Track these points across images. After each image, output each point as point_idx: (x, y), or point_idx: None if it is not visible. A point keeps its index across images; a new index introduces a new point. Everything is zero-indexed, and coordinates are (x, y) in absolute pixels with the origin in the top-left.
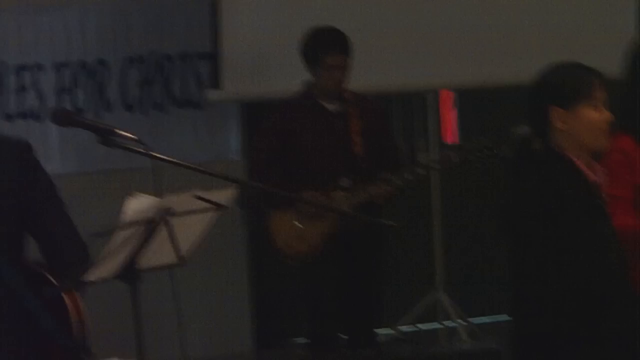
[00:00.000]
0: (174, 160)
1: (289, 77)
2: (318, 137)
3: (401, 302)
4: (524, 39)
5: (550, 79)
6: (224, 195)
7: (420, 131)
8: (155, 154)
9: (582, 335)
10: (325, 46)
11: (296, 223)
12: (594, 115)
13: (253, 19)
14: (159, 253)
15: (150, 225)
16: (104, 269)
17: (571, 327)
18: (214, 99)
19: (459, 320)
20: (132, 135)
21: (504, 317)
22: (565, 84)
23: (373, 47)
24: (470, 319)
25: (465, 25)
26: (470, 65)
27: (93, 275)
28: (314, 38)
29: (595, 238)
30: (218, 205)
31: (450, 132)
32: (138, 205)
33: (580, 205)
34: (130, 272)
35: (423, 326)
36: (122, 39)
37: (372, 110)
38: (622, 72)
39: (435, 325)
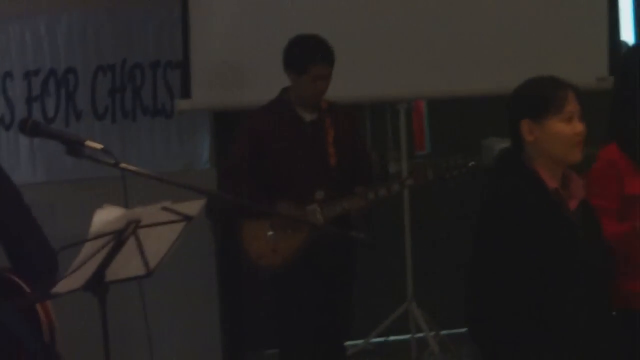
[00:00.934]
0: (141, 171)
1: (259, 86)
2: (294, 147)
3: (372, 314)
4: (496, 50)
5: (522, 91)
6: (192, 206)
7: (392, 141)
8: (123, 165)
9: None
10: (313, 56)
11: (269, 233)
12: (563, 128)
13: (223, 28)
14: (127, 265)
15: (118, 237)
16: (72, 281)
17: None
18: (184, 108)
19: (431, 332)
20: (100, 145)
21: None
22: (535, 96)
23: (345, 57)
24: (442, 331)
25: (438, 36)
26: (441, 76)
27: (61, 286)
28: (300, 47)
29: (549, 243)
30: (186, 217)
31: (421, 143)
32: (106, 216)
33: (535, 212)
34: (98, 284)
35: (394, 338)
36: (92, 48)
37: (345, 119)
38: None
39: (406, 337)
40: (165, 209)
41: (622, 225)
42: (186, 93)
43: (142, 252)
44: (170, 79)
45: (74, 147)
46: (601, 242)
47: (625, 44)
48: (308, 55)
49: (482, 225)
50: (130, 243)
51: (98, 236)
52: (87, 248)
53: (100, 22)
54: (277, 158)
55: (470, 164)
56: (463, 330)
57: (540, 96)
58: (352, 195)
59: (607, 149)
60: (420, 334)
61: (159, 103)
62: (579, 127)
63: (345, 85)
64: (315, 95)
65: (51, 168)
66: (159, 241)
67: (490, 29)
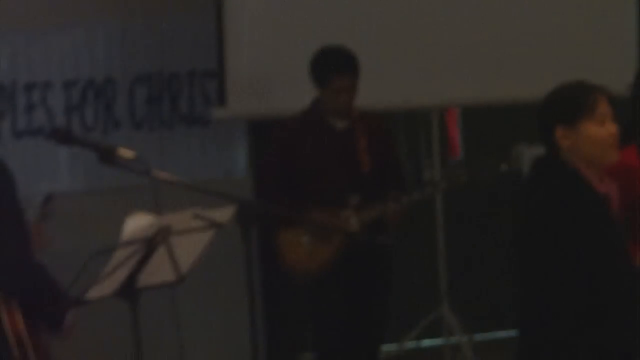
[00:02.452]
0: (173, 178)
1: (295, 95)
2: (325, 155)
3: (406, 318)
4: (528, 57)
5: (554, 98)
6: (223, 213)
7: (425, 149)
8: (154, 172)
9: (589, 348)
10: (335, 68)
11: (305, 240)
12: (598, 131)
13: (257, 37)
14: (158, 271)
15: (149, 244)
16: (104, 287)
17: (579, 340)
18: (220, 117)
19: (464, 336)
20: (132, 153)
21: (508, 333)
22: (567, 101)
23: (378, 65)
24: (475, 335)
25: (470, 43)
26: (474, 83)
27: (93, 293)
28: (323, 59)
29: (605, 249)
30: (217, 224)
31: (455, 149)
32: (137, 223)
33: (589, 216)
34: (130, 291)
35: (427, 342)
36: (129, 57)
37: (378, 127)
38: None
39: (439, 341)
40: (195, 216)
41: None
42: (222, 101)
43: (173, 259)
44: (207, 87)
45: (106, 155)
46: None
47: None
48: (330, 67)
49: (532, 230)
50: (161, 250)
51: (129, 243)
52: (119, 255)
53: (137, 32)
54: (309, 166)
55: (502, 169)
56: (496, 334)
57: (571, 101)
58: (386, 199)
59: (624, 153)
60: (453, 338)
61: (196, 112)
62: (612, 128)
63: (378, 93)
64: (342, 106)
65: (90, 177)
66: (189, 248)
67: (521, 36)
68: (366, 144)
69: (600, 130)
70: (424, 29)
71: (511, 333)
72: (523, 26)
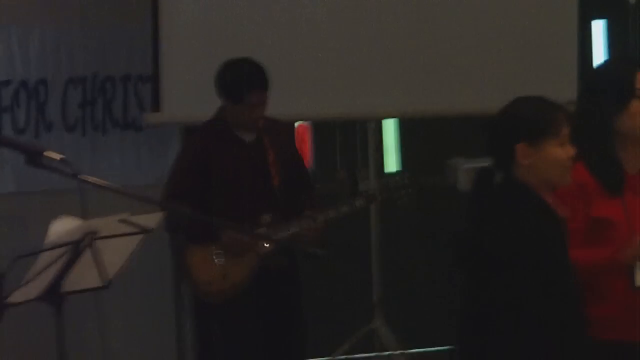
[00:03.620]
0: (100, 182)
1: None
2: (235, 170)
3: (338, 331)
4: (467, 70)
5: (517, 112)
6: (151, 219)
7: (361, 160)
8: (81, 176)
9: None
10: (248, 84)
11: (219, 259)
12: (559, 152)
13: (193, 43)
14: (84, 276)
15: (75, 248)
16: (28, 291)
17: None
18: (153, 122)
19: (397, 350)
20: (59, 156)
21: (442, 348)
22: (532, 120)
23: (314, 75)
24: (409, 349)
25: (409, 54)
26: (412, 94)
27: (17, 296)
28: (234, 74)
29: (559, 268)
30: (144, 229)
31: (391, 161)
32: (63, 227)
33: (545, 234)
34: (54, 295)
35: (360, 356)
36: (63, 60)
37: (284, 136)
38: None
39: (372, 354)
40: (123, 221)
41: (593, 252)
42: (156, 107)
43: (99, 264)
44: (141, 92)
45: (33, 157)
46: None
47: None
48: (242, 83)
49: (491, 247)
50: (87, 254)
51: (54, 247)
52: (44, 258)
53: (72, 35)
54: (220, 182)
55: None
56: (430, 348)
57: (538, 118)
58: (300, 217)
59: (574, 169)
60: (387, 353)
61: (130, 116)
62: (571, 150)
63: (315, 103)
64: (254, 120)
65: (20, 179)
66: (116, 253)
67: (460, 49)
68: (275, 157)
69: (561, 152)
70: (362, 38)
71: (445, 347)
72: (462, 38)
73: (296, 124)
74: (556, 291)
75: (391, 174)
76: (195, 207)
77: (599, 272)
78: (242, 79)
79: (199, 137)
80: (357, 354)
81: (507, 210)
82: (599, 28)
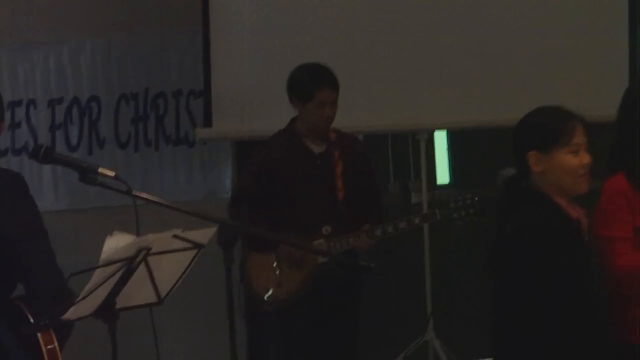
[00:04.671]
0: (153, 198)
1: (279, 116)
2: (302, 180)
3: (392, 343)
4: (518, 80)
5: (530, 121)
6: (204, 234)
7: (413, 171)
8: (134, 192)
9: None
10: (317, 82)
11: (275, 267)
12: (571, 160)
13: (244, 58)
14: (138, 292)
15: (129, 264)
16: (82, 308)
17: None
18: (204, 137)
19: None
20: (113, 172)
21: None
22: (543, 128)
23: (367, 87)
24: None
25: (459, 65)
26: (463, 106)
27: (72, 313)
28: (304, 73)
29: (579, 274)
30: (197, 245)
31: (443, 173)
32: (117, 243)
33: (562, 241)
34: (108, 311)
35: None
36: (115, 76)
37: (355, 151)
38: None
39: None
40: (176, 236)
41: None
42: (208, 122)
43: (152, 280)
44: (193, 108)
45: (87, 174)
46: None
47: None
48: (312, 81)
49: (516, 253)
50: (141, 270)
51: (108, 263)
52: (98, 275)
53: (123, 51)
54: (286, 191)
55: (479, 208)
56: None
57: (547, 127)
58: (359, 232)
59: (614, 179)
60: None
61: (182, 132)
62: (586, 159)
63: (366, 115)
64: (323, 121)
65: (74, 196)
66: (170, 269)
67: (511, 59)
68: (343, 170)
69: (573, 160)
70: (413, 50)
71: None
72: (513, 48)
73: None
74: (575, 295)
75: (443, 187)
76: (258, 214)
77: None
78: (312, 77)
79: (268, 145)
80: None
81: (525, 216)
82: None
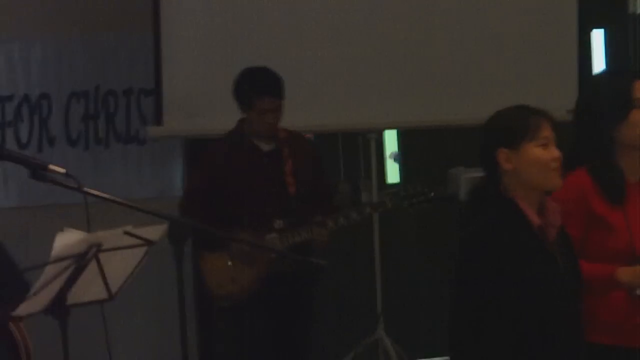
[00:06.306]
0: (104, 195)
1: (230, 114)
2: (251, 178)
3: (341, 342)
4: (467, 81)
5: (496, 120)
6: (154, 231)
7: (363, 171)
8: (85, 189)
9: None
10: (259, 90)
11: (229, 264)
12: (541, 153)
13: (195, 56)
14: (89, 288)
15: (80, 261)
16: (33, 304)
17: None
18: (155, 135)
19: None
20: (63, 169)
21: (443, 357)
22: (510, 124)
23: (317, 86)
24: None
25: (409, 65)
26: (413, 106)
27: (22, 309)
28: (247, 81)
29: (533, 281)
30: (148, 242)
31: (393, 172)
32: (67, 240)
33: (519, 249)
34: (59, 307)
35: None
36: (65, 74)
37: (305, 148)
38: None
39: None
40: (126, 233)
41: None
42: (158, 120)
43: (103, 276)
44: (143, 106)
45: (37, 171)
46: (577, 269)
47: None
48: (254, 89)
49: (465, 259)
50: (92, 267)
51: (59, 259)
52: (49, 271)
53: (74, 49)
54: (235, 189)
55: (430, 194)
56: (433, 359)
57: (514, 123)
58: (311, 224)
59: (576, 174)
60: None
61: (132, 130)
62: (555, 152)
63: (316, 114)
64: (267, 128)
65: (23, 193)
66: (120, 265)
67: (459, 59)
68: (292, 166)
69: (543, 153)
70: (362, 49)
71: (446, 357)
72: (462, 49)
73: None
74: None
75: (393, 186)
76: (211, 212)
77: (599, 285)
78: (252, 86)
79: (217, 144)
80: None
81: (484, 222)
82: (598, 37)
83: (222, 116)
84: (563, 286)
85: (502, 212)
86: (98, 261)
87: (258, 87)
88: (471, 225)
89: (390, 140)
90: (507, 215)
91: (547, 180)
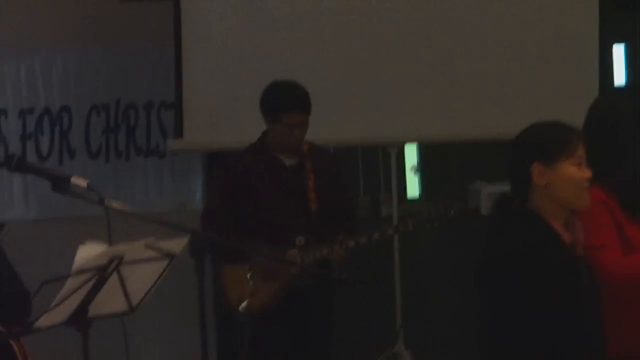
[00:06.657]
0: (125, 208)
1: (251, 127)
2: (274, 192)
3: (361, 357)
4: (489, 96)
5: (533, 134)
6: (176, 244)
7: (383, 184)
8: (107, 202)
9: None
10: (286, 104)
11: (249, 278)
12: (575, 172)
13: (216, 69)
14: (110, 301)
15: (101, 273)
16: (54, 315)
17: None
18: (176, 148)
19: None
20: (85, 182)
21: None
22: (547, 140)
23: (338, 99)
24: None
25: (430, 79)
26: (434, 120)
27: (44, 321)
28: (274, 94)
29: (565, 298)
30: (169, 254)
31: (413, 186)
32: (89, 252)
33: (551, 266)
34: (81, 319)
35: None
36: (86, 87)
37: (328, 163)
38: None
39: None
40: (148, 246)
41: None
42: (178, 133)
43: (124, 289)
44: (164, 119)
45: (59, 184)
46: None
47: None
48: (280, 103)
49: (501, 277)
50: (113, 279)
51: (80, 272)
52: (70, 283)
53: (95, 62)
54: (257, 203)
55: (451, 213)
56: None
57: (552, 138)
58: (332, 242)
59: (593, 191)
60: None
61: (153, 143)
62: (587, 172)
63: (337, 128)
64: (293, 142)
65: (44, 206)
66: (141, 278)
67: (481, 74)
68: (315, 182)
69: (577, 172)
70: (385, 64)
71: None
72: (484, 64)
73: None
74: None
75: (413, 200)
76: (231, 226)
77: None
78: (280, 100)
79: (239, 158)
80: None
81: (517, 239)
82: (619, 52)
83: (243, 129)
84: (592, 301)
85: (532, 228)
86: (119, 274)
87: (286, 101)
88: (502, 242)
89: (410, 153)
90: (538, 231)
91: (579, 199)
